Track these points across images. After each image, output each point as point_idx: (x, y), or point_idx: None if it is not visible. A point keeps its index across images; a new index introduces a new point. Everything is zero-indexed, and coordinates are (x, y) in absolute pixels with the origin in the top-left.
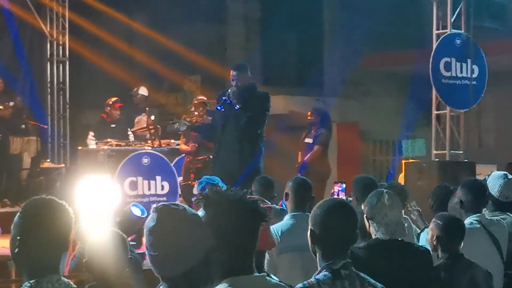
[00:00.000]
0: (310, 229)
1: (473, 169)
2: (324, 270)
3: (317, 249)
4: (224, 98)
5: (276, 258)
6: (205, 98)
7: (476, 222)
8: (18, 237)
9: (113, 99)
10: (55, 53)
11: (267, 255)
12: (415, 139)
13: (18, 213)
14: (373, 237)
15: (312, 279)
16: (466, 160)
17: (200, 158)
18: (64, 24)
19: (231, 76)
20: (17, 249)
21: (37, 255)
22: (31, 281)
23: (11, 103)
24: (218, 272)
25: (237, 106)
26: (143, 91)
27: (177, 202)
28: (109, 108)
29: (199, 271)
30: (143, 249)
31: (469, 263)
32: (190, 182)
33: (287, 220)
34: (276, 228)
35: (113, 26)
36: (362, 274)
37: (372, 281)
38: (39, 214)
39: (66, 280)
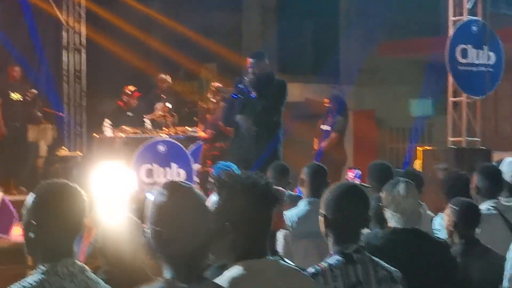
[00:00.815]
0: (322, 213)
1: (489, 156)
2: (336, 254)
3: (329, 234)
4: (240, 86)
5: (291, 244)
6: (221, 85)
7: (492, 208)
8: (34, 222)
9: (132, 88)
10: (71, 41)
11: (283, 241)
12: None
13: (31, 198)
14: (388, 224)
15: (324, 263)
16: (482, 147)
17: (217, 145)
18: (80, 12)
19: (248, 64)
20: (32, 234)
21: (52, 239)
22: (46, 265)
23: (34, 91)
24: (232, 255)
25: (253, 94)
26: (169, 79)
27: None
28: (127, 96)
29: (200, 255)
30: None
31: (485, 249)
32: (207, 169)
33: (302, 206)
34: (291, 214)
35: (129, 14)
36: (375, 258)
37: (385, 265)
38: (53, 197)
39: (80, 263)
